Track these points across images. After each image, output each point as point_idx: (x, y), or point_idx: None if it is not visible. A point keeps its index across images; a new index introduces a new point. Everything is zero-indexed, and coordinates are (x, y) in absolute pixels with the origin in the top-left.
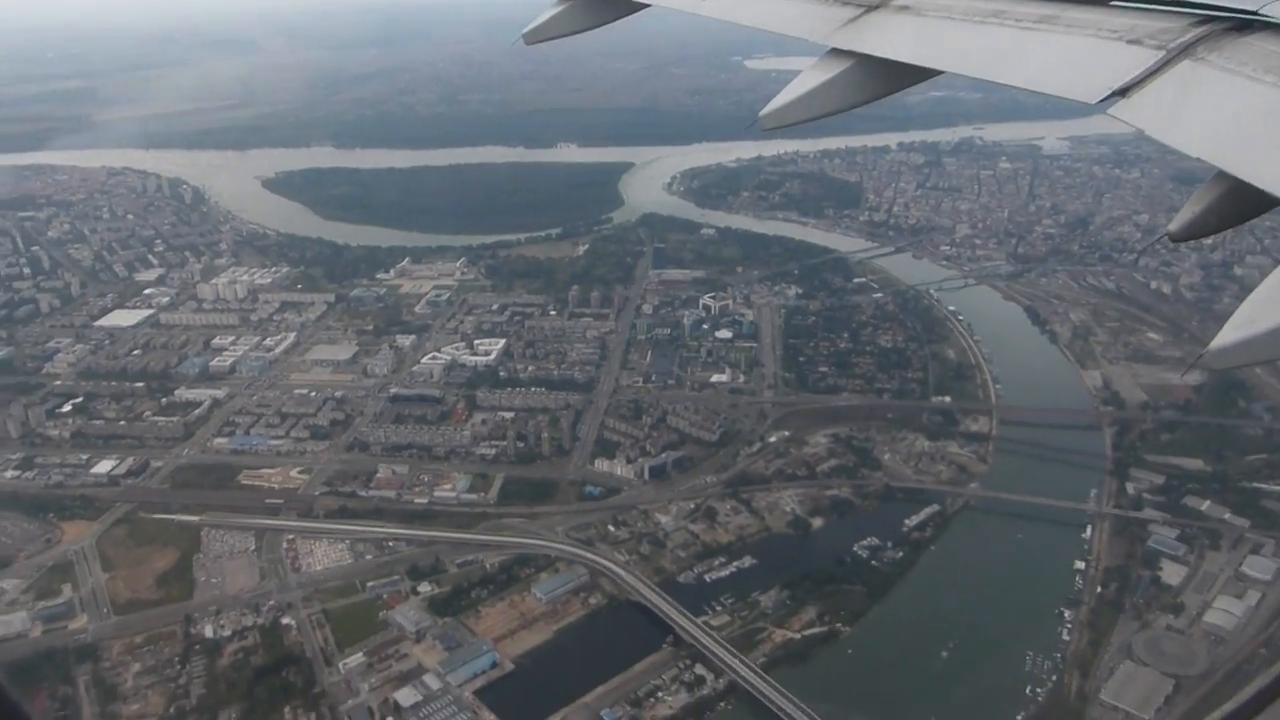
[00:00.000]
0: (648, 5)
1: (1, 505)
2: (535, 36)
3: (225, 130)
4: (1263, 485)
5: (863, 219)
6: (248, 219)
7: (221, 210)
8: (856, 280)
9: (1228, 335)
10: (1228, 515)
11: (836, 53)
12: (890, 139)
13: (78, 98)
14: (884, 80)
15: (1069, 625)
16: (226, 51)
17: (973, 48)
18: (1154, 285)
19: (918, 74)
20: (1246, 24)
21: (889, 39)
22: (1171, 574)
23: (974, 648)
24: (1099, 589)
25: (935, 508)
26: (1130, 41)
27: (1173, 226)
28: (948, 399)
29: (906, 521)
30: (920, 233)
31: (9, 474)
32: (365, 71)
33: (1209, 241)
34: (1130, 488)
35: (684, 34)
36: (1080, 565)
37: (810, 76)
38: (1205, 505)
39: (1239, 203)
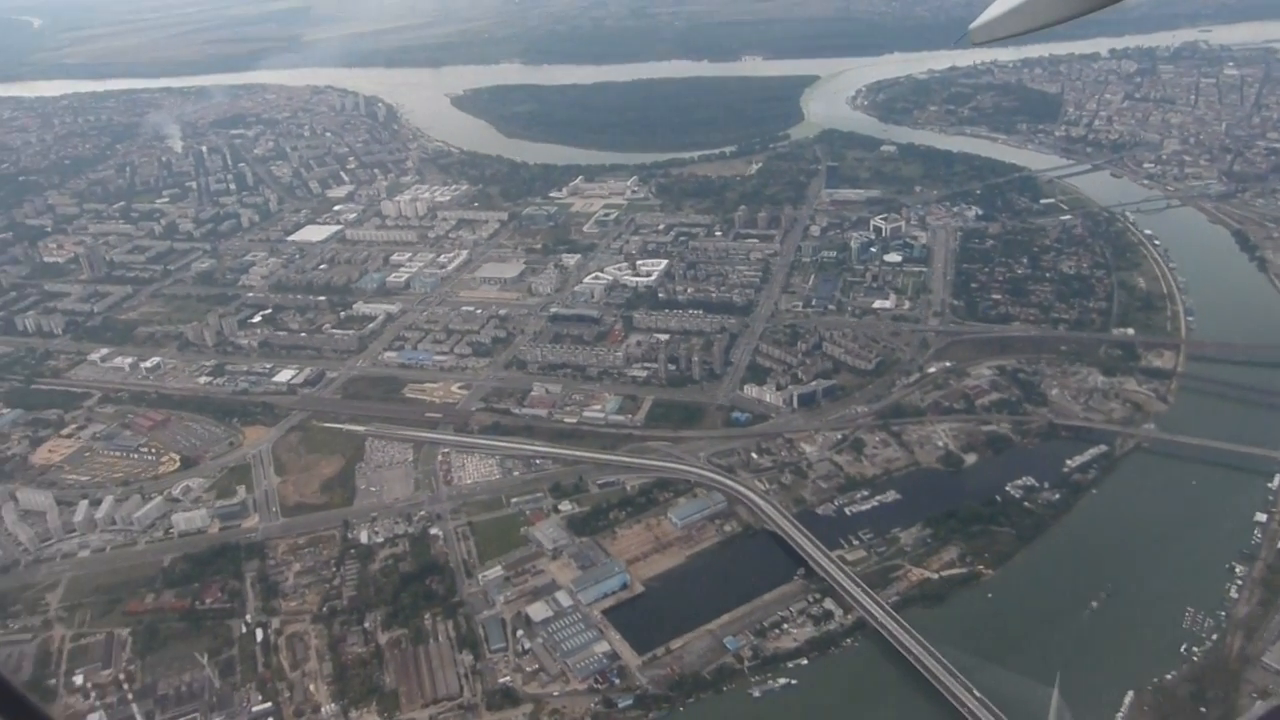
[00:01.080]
0: None
1: (195, 409)
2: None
3: (422, 47)
4: None
5: (1059, 134)
6: (434, 136)
7: (411, 128)
8: (1044, 201)
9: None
10: None
11: None
12: (1101, 44)
13: (292, 18)
14: None
15: (1239, 582)
16: None
17: None
18: None
19: None
20: None
21: None
22: None
23: (1128, 600)
24: None
25: (1102, 448)
26: None
27: None
28: (1130, 331)
29: (1068, 462)
30: (1122, 148)
31: (203, 379)
32: None
33: None
34: None
35: None
36: (1262, 518)
37: None
38: None
39: None
